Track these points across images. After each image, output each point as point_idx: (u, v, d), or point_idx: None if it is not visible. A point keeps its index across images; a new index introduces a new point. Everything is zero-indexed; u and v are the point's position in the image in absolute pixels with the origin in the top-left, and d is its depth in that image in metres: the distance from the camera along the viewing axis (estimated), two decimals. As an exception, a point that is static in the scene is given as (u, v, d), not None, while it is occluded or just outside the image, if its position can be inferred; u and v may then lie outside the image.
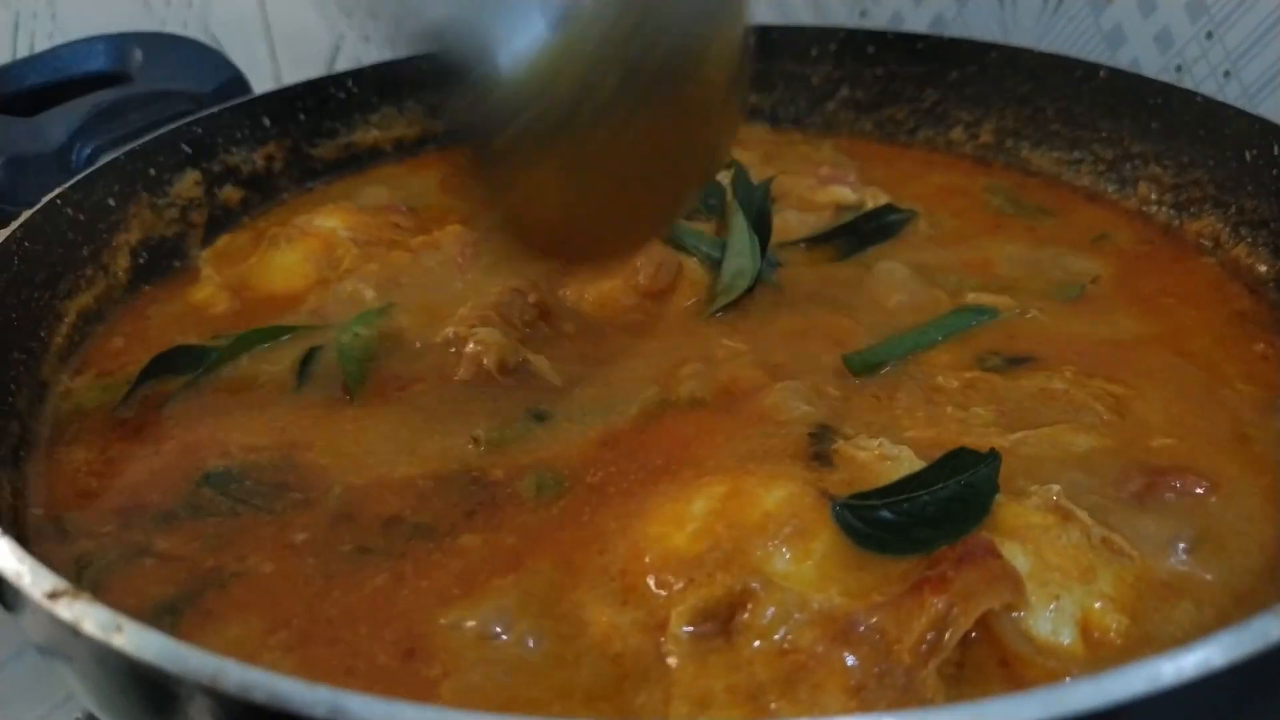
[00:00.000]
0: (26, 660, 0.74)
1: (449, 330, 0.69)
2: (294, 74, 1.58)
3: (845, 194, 0.91)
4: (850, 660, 0.45)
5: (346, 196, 0.93)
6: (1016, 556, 0.49)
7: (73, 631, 0.40)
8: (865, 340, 0.70)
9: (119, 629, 0.39)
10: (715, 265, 0.78)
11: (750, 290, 0.75)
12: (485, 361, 0.65)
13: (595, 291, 0.76)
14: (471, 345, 0.67)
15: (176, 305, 0.80)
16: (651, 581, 0.50)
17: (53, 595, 0.41)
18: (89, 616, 0.40)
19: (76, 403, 0.69)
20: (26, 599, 0.42)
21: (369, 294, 0.76)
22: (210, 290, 0.81)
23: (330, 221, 0.84)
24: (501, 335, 0.67)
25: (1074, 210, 0.90)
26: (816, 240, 0.84)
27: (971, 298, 0.74)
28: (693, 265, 0.78)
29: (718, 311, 0.74)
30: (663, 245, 0.77)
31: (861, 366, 0.67)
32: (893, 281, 0.77)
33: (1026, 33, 1.07)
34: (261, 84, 1.57)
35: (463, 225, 0.83)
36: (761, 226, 0.79)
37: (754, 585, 0.48)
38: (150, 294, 0.82)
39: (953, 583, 0.46)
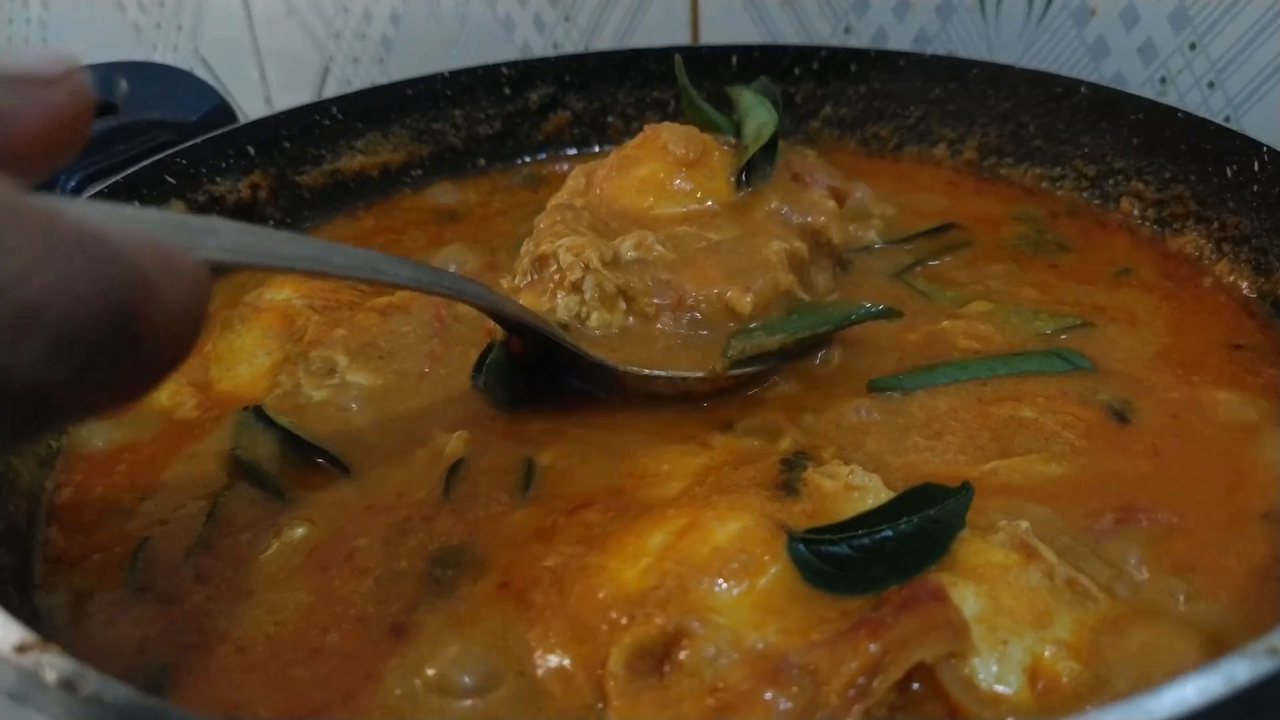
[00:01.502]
0: None
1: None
2: (284, 95, 1.59)
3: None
4: (776, 699, 0.44)
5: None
6: (968, 599, 0.48)
7: (40, 686, 0.40)
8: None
9: (83, 680, 0.39)
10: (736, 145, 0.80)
11: (774, 143, 0.76)
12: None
13: (634, 178, 0.75)
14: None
15: (141, 413, 0.72)
16: (600, 618, 0.50)
17: (21, 648, 0.42)
18: (53, 668, 0.40)
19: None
20: (12, 672, 0.41)
21: (343, 361, 0.73)
22: (171, 390, 0.74)
23: (282, 292, 0.79)
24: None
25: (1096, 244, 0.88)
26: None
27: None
28: (714, 142, 0.78)
29: (744, 165, 0.75)
30: (683, 125, 0.78)
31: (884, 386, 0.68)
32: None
33: (1010, 47, 1.08)
34: (251, 105, 1.59)
35: None
36: (770, 91, 0.83)
37: (692, 624, 0.47)
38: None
39: (890, 628, 0.45)
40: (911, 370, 0.69)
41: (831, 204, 0.77)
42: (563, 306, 0.67)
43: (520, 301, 0.68)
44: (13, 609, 0.44)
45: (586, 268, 0.66)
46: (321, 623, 0.53)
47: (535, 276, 0.70)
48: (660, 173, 0.75)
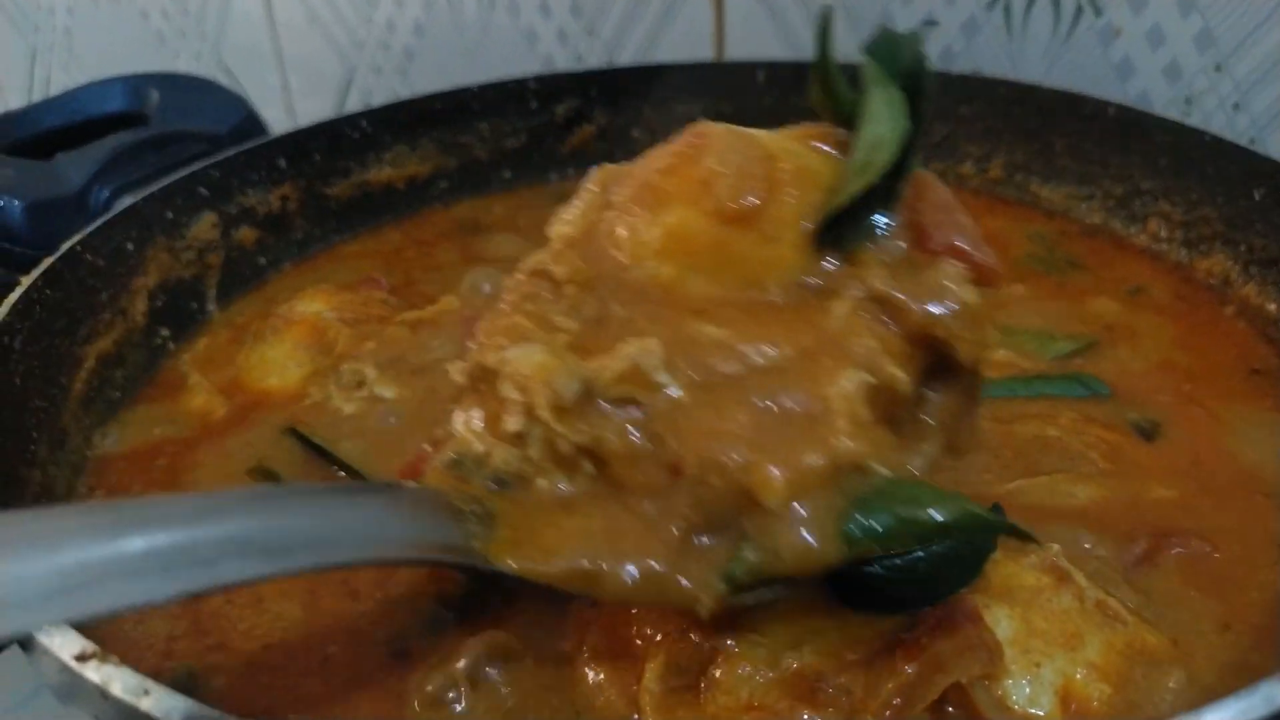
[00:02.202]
0: (44, 698, 0.75)
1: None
2: (306, 104, 1.60)
3: None
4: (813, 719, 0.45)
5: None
6: (1001, 621, 0.48)
7: (101, 694, 0.41)
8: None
9: (146, 693, 0.41)
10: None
11: (901, 171, 0.47)
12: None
13: (658, 230, 0.47)
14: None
15: (171, 414, 0.76)
16: (634, 634, 0.50)
17: (81, 658, 0.42)
18: (117, 680, 0.41)
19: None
20: (55, 661, 0.43)
21: (372, 374, 0.73)
22: (204, 397, 0.76)
23: (314, 305, 0.80)
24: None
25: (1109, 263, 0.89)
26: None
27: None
28: (795, 157, 0.48)
29: (833, 217, 0.46)
30: (737, 132, 0.49)
31: None
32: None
33: (1035, 65, 1.08)
34: (273, 114, 1.60)
35: (456, 298, 0.82)
36: (913, 84, 0.49)
37: (728, 642, 0.48)
38: (143, 409, 0.77)
39: (925, 649, 0.46)
40: None
41: (969, 292, 0.46)
42: (499, 457, 0.46)
43: (452, 422, 0.48)
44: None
45: (531, 414, 0.43)
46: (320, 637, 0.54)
47: (481, 387, 0.47)
48: (694, 224, 0.46)
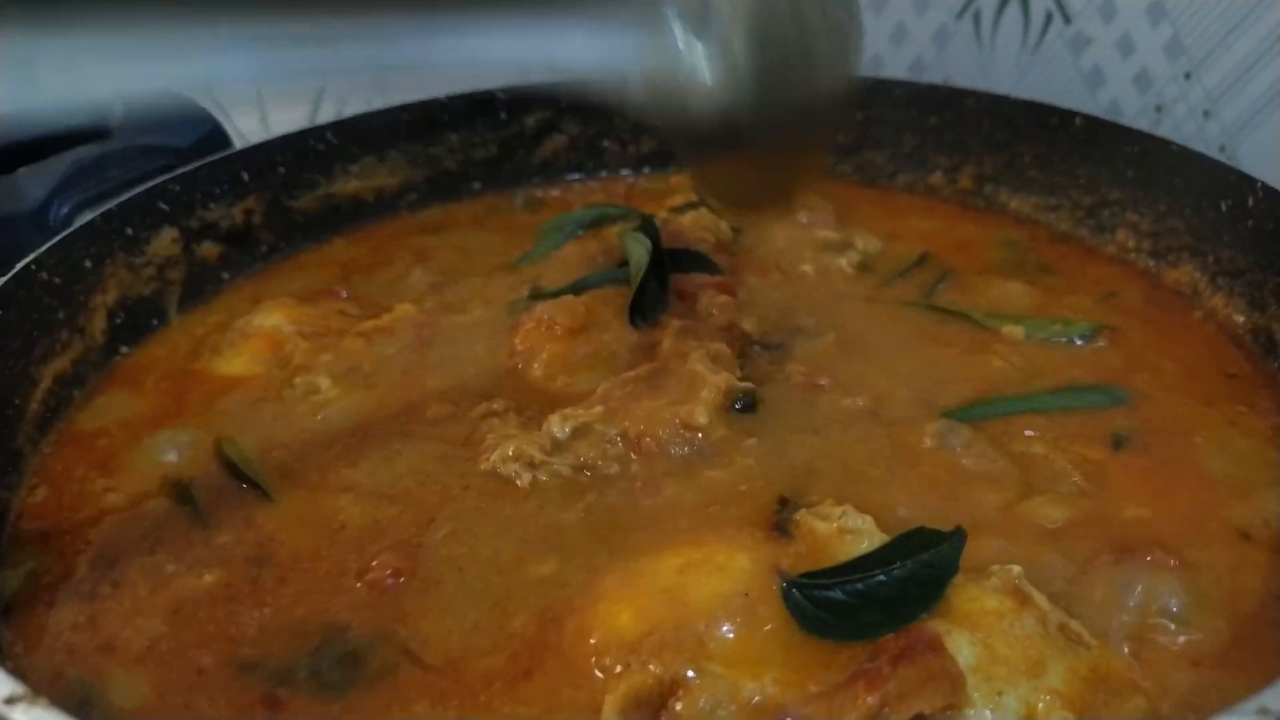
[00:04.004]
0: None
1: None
2: (279, 112, 1.58)
3: (829, 235, 0.91)
4: None
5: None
6: (963, 648, 0.48)
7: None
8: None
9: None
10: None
11: (662, 272, 0.78)
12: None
13: (540, 365, 0.74)
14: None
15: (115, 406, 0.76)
16: (594, 663, 0.50)
17: (9, 700, 0.41)
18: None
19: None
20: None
21: (324, 383, 0.74)
22: (154, 399, 0.77)
23: (272, 319, 0.80)
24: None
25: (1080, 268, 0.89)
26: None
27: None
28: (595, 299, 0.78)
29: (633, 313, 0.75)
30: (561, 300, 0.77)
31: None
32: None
33: (1005, 75, 1.08)
34: (246, 122, 1.58)
35: (413, 305, 0.82)
36: (647, 229, 0.81)
37: (688, 674, 0.47)
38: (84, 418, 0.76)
39: (888, 680, 0.45)
40: (977, 403, 0.69)
41: (723, 298, 0.78)
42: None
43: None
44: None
45: (533, 463, 0.64)
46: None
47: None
48: (559, 350, 0.74)
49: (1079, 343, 0.76)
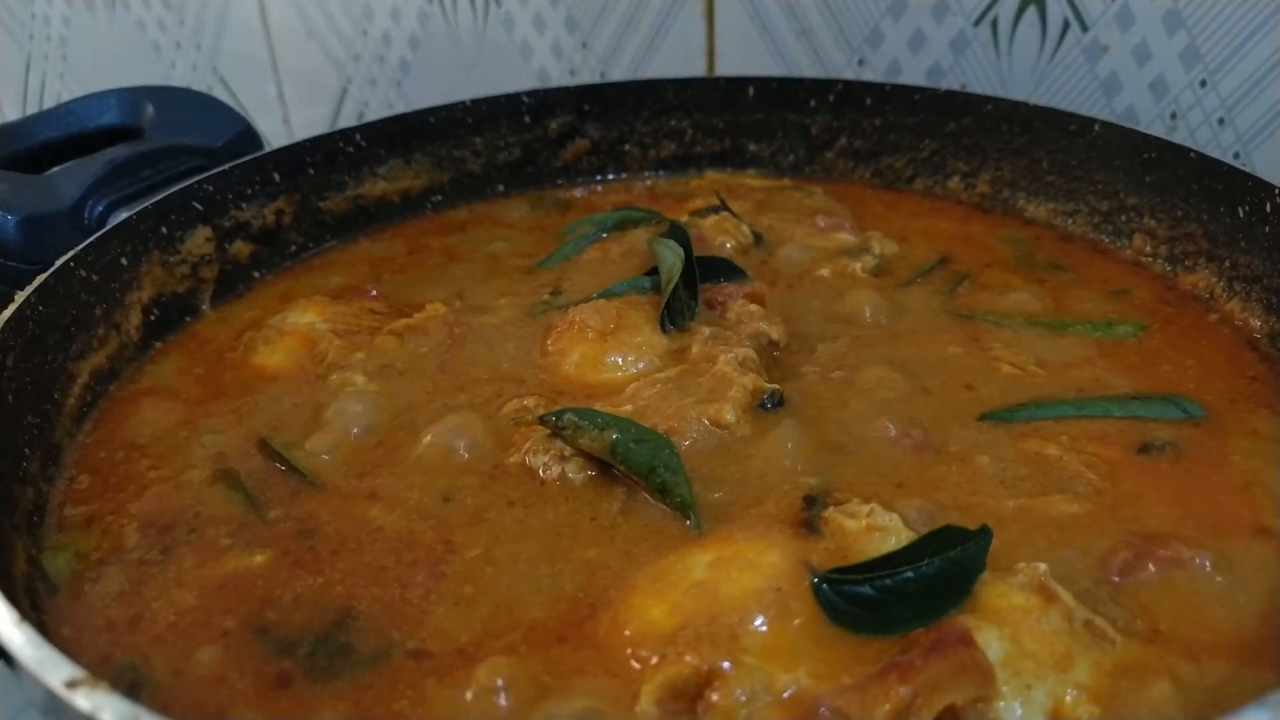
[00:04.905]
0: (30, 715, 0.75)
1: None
2: (301, 114, 1.60)
3: (847, 239, 0.93)
4: None
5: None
6: (992, 643, 0.49)
7: None
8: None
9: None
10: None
11: (691, 279, 0.80)
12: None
13: (571, 365, 0.76)
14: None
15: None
16: (630, 655, 0.51)
17: (71, 684, 0.43)
18: (107, 708, 0.41)
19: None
20: (46, 688, 0.43)
21: (359, 380, 0.75)
22: (194, 392, 0.78)
23: (306, 317, 0.82)
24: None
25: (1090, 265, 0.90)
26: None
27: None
28: (629, 303, 0.80)
29: (664, 319, 0.77)
30: (596, 302, 0.79)
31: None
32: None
33: (1022, 81, 1.09)
34: (269, 123, 1.60)
35: (443, 305, 0.83)
36: (677, 235, 0.83)
37: (723, 665, 0.49)
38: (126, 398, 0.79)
39: (920, 672, 0.46)
40: (1023, 404, 0.70)
41: (753, 307, 0.80)
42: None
43: None
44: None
45: (563, 456, 0.65)
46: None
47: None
48: (590, 352, 0.76)
49: (1129, 340, 0.78)
